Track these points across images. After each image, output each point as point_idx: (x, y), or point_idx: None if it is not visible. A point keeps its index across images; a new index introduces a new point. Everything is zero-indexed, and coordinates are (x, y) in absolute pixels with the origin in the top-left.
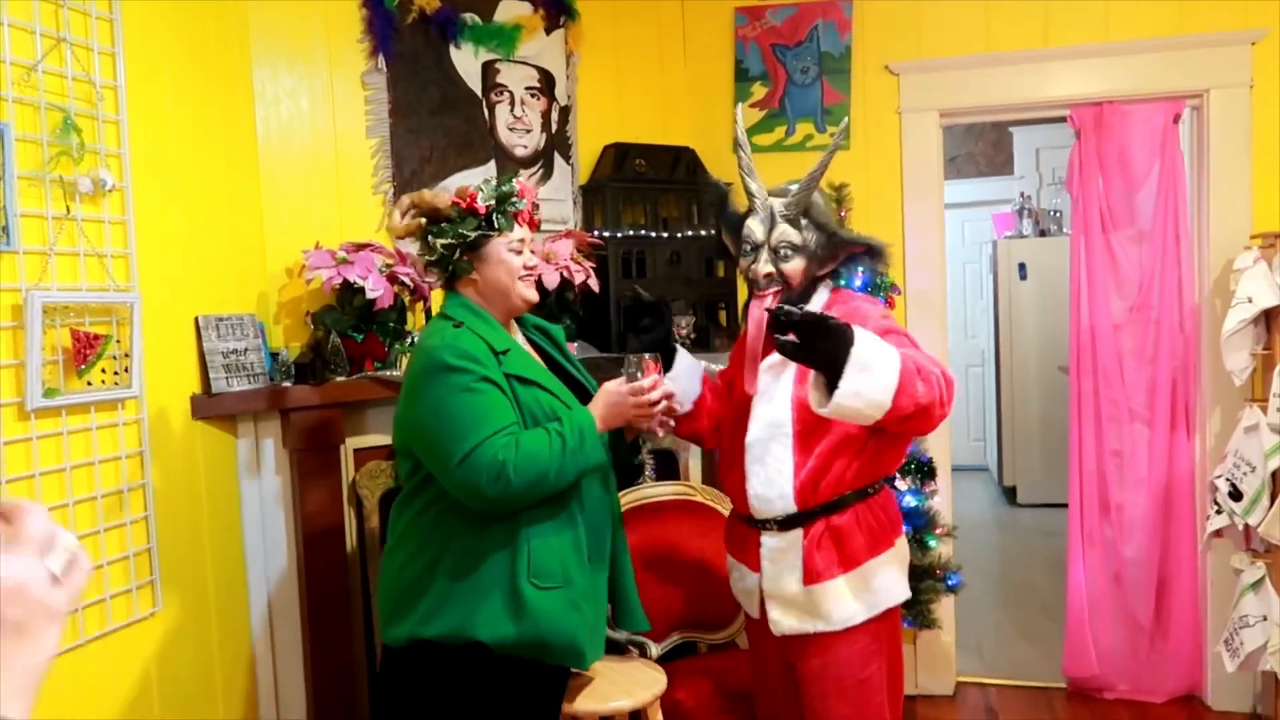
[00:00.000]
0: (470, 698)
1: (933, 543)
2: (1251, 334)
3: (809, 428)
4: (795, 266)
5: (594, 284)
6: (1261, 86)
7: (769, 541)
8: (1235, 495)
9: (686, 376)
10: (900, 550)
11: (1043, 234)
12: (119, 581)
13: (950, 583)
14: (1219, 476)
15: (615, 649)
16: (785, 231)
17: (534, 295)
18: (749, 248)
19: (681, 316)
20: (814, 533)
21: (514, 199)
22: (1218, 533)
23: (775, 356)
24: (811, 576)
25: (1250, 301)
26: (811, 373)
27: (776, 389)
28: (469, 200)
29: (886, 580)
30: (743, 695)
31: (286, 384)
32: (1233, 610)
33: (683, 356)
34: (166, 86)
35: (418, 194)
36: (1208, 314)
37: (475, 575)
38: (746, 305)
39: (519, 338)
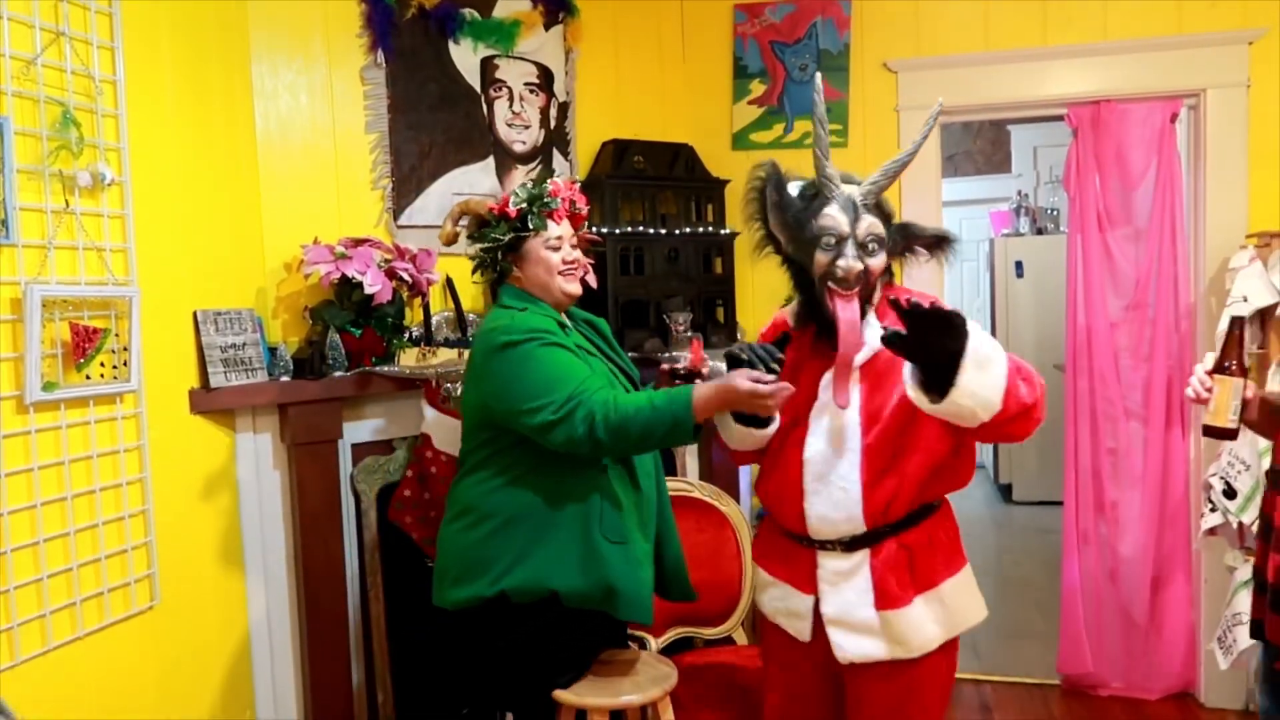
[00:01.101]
0: (543, 647)
1: None
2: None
3: (879, 440)
4: (879, 262)
5: (592, 281)
6: (1259, 86)
7: (830, 564)
8: (1229, 493)
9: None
10: (968, 567)
11: (1040, 232)
12: (117, 575)
13: None
14: (1213, 475)
15: (619, 642)
16: (873, 224)
17: (575, 289)
18: (831, 240)
19: (679, 314)
20: (885, 553)
21: (546, 199)
22: (1212, 530)
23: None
24: (886, 601)
25: (1245, 300)
26: (909, 366)
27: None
28: (501, 205)
29: (964, 600)
30: (741, 689)
31: (285, 379)
32: (1226, 608)
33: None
34: (165, 81)
35: (465, 201)
36: (1203, 312)
37: (552, 532)
38: (810, 305)
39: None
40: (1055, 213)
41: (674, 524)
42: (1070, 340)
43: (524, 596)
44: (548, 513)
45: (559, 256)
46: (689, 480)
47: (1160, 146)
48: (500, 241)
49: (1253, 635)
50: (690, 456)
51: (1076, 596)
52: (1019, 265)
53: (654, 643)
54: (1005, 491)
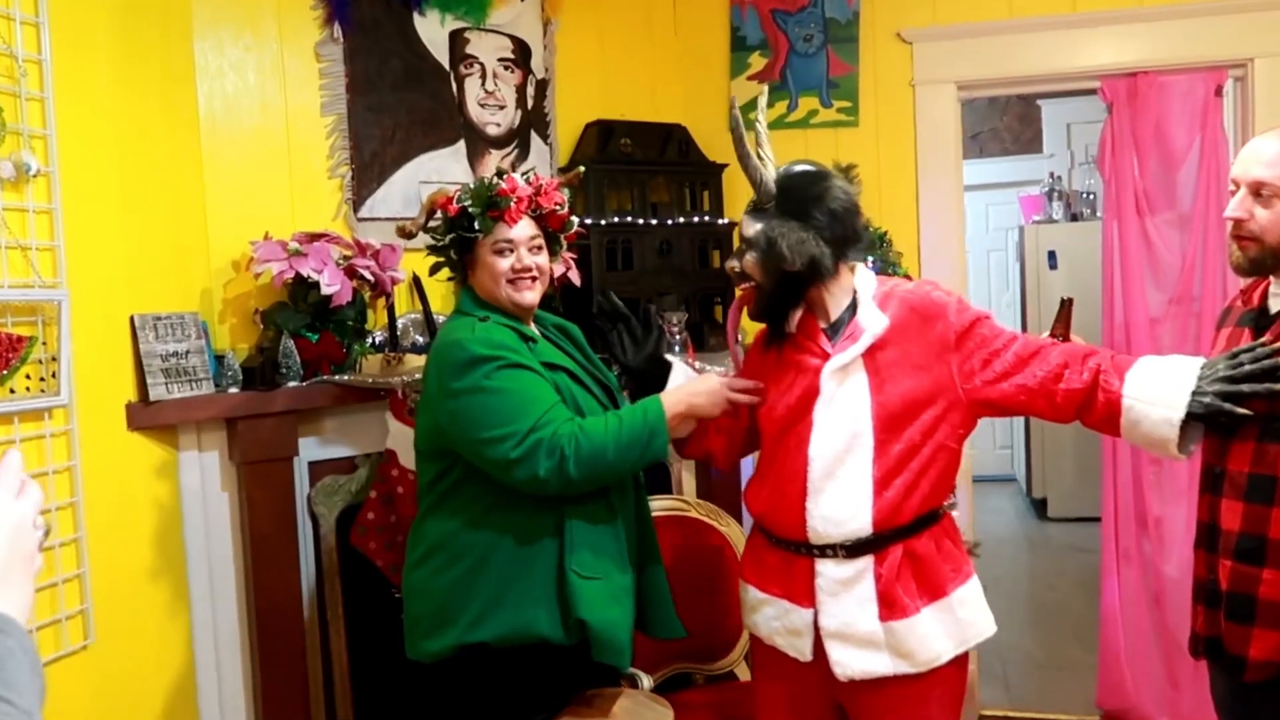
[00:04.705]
0: (523, 688)
1: None
2: None
3: (893, 435)
4: (740, 262)
5: (575, 277)
6: None
7: (830, 570)
8: None
9: None
10: (976, 577)
11: (1074, 218)
12: (45, 612)
13: None
14: None
15: (609, 680)
16: (743, 225)
17: (527, 299)
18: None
19: (673, 313)
20: (890, 560)
21: (495, 197)
22: None
23: (845, 356)
24: (892, 610)
25: None
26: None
27: (844, 394)
28: (444, 202)
29: (974, 611)
30: None
31: (233, 390)
32: None
33: (679, 370)
34: (98, 61)
35: (438, 192)
36: None
37: (526, 572)
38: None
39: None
40: (1091, 197)
41: (657, 549)
42: (1106, 338)
43: (507, 644)
44: (519, 548)
45: (507, 263)
46: (685, 498)
47: (1204, 122)
48: (440, 243)
49: (1200, 654)
50: (687, 471)
51: (1116, 622)
52: (1052, 255)
53: (647, 680)
54: (1040, 507)
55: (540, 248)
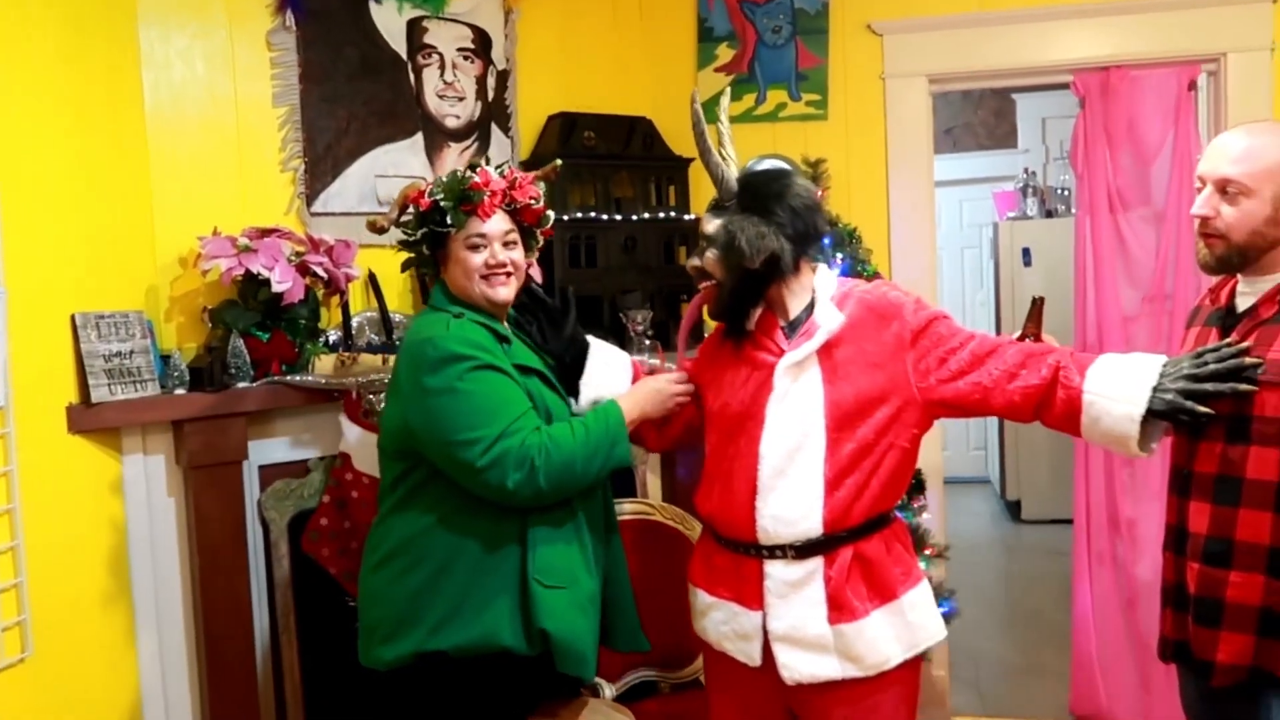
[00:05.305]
0: (489, 706)
1: (922, 565)
2: None
3: (841, 436)
4: (699, 260)
5: (537, 274)
6: None
7: (779, 572)
8: None
9: (608, 373)
10: (926, 581)
11: (1049, 215)
12: None
13: (942, 610)
14: None
15: (569, 690)
16: (703, 223)
17: (501, 295)
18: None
19: (638, 311)
20: (839, 561)
21: (468, 190)
22: None
23: (799, 352)
24: (841, 613)
25: None
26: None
27: (797, 390)
28: (416, 196)
29: (924, 614)
30: None
31: (180, 391)
32: None
33: (598, 350)
34: (36, 47)
35: (411, 184)
36: None
37: (489, 579)
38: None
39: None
40: (1066, 193)
41: (623, 557)
42: (1079, 336)
43: (468, 654)
44: (483, 554)
45: (481, 258)
46: (650, 502)
47: (1177, 117)
48: (412, 237)
49: (1169, 658)
50: (652, 474)
51: (1089, 625)
52: (1026, 252)
53: (609, 689)
54: (1014, 509)
55: (515, 243)
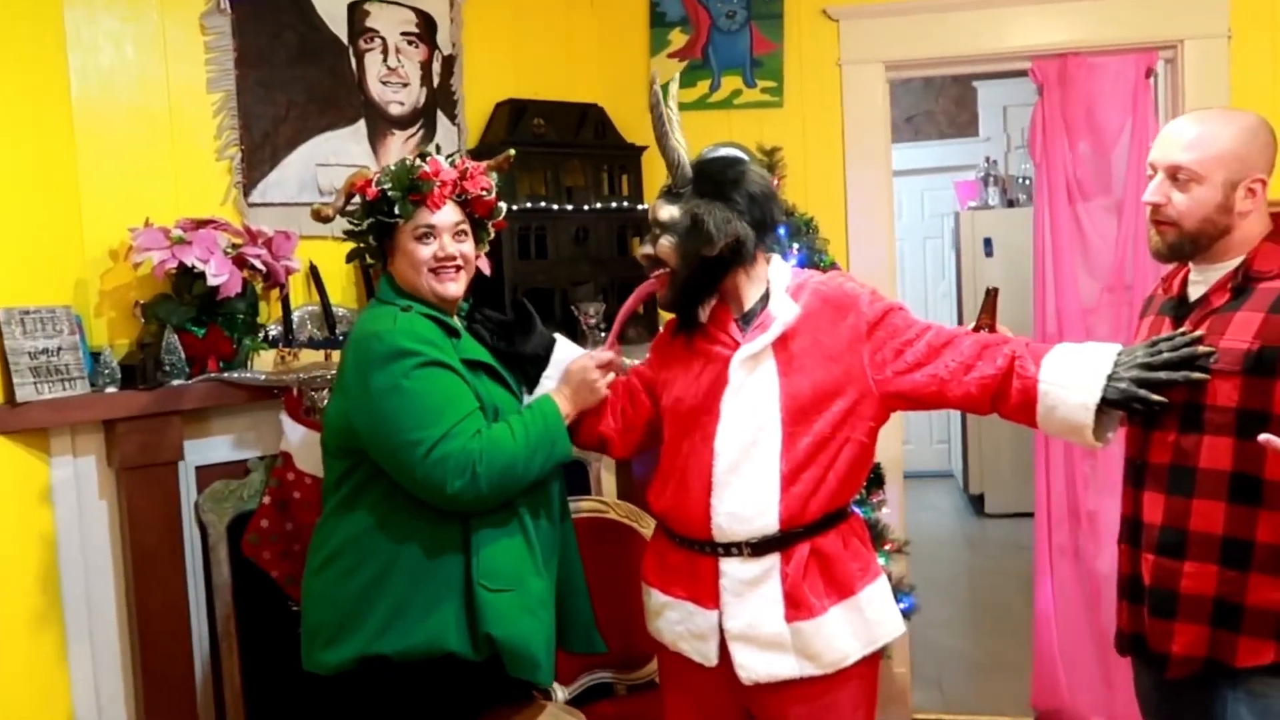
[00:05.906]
0: (436, 712)
1: (881, 560)
2: None
3: (797, 430)
4: (651, 248)
5: (485, 266)
6: (1241, 37)
7: (735, 570)
8: None
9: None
10: (885, 576)
11: (1011, 204)
12: None
13: (902, 606)
14: None
15: (521, 694)
16: (655, 209)
17: (450, 290)
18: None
19: (590, 304)
20: (796, 558)
21: (417, 180)
22: None
23: (755, 345)
24: (799, 610)
25: None
26: (1074, 400)
27: (752, 384)
28: (362, 185)
29: (881, 611)
30: None
31: (111, 390)
32: None
33: (563, 346)
34: None
35: (359, 172)
36: None
37: (434, 580)
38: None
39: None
40: (1028, 182)
41: (578, 558)
42: (1039, 327)
43: (413, 659)
44: (427, 554)
45: (429, 251)
46: (604, 499)
47: (1135, 104)
48: (358, 228)
49: (1126, 651)
50: (606, 471)
51: (1050, 620)
52: (988, 242)
53: (562, 692)
54: (977, 503)
55: (465, 235)
